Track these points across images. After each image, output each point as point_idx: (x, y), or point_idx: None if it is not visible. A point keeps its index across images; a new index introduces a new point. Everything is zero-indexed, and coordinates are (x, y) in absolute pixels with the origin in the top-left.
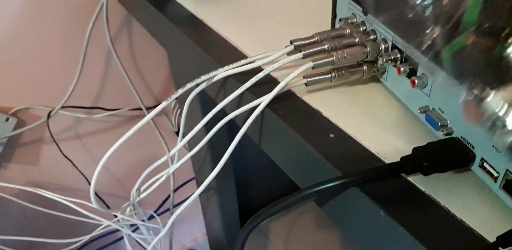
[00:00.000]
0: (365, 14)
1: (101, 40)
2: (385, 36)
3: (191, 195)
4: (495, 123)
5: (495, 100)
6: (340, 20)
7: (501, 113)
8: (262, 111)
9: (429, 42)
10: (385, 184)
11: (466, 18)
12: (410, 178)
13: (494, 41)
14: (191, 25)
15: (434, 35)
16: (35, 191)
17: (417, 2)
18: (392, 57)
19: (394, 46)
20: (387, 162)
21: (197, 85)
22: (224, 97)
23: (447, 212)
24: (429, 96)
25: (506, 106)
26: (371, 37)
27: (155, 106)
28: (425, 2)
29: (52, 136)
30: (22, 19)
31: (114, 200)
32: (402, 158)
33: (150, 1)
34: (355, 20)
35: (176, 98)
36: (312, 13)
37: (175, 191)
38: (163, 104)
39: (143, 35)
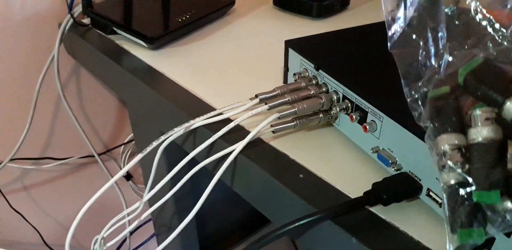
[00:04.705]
0: (317, 69)
1: (50, 91)
2: (336, 89)
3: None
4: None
5: (441, 143)
6: (294, 74)
7: (444, 155)
8: (236, 157)
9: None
10: (353, 215)
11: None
12: (373, 209)
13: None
14: (151, 77)
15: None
16: None
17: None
18: (344, 107)
19: (344, 97)
20: (351, 196)
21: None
22: (194, 145)
23: (406, 235)
24: (378, 138)
25: (448, 148)
26: (323, 89)
27: (104, 152)
28: None
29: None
30: None
31: None
32: (365, 193)
33: (106, 54)
34: (307, 74)
35: (129, 142)
36: (261, 64)
37: (131, 233)
38: (139, 157)
39: (91, 82)
